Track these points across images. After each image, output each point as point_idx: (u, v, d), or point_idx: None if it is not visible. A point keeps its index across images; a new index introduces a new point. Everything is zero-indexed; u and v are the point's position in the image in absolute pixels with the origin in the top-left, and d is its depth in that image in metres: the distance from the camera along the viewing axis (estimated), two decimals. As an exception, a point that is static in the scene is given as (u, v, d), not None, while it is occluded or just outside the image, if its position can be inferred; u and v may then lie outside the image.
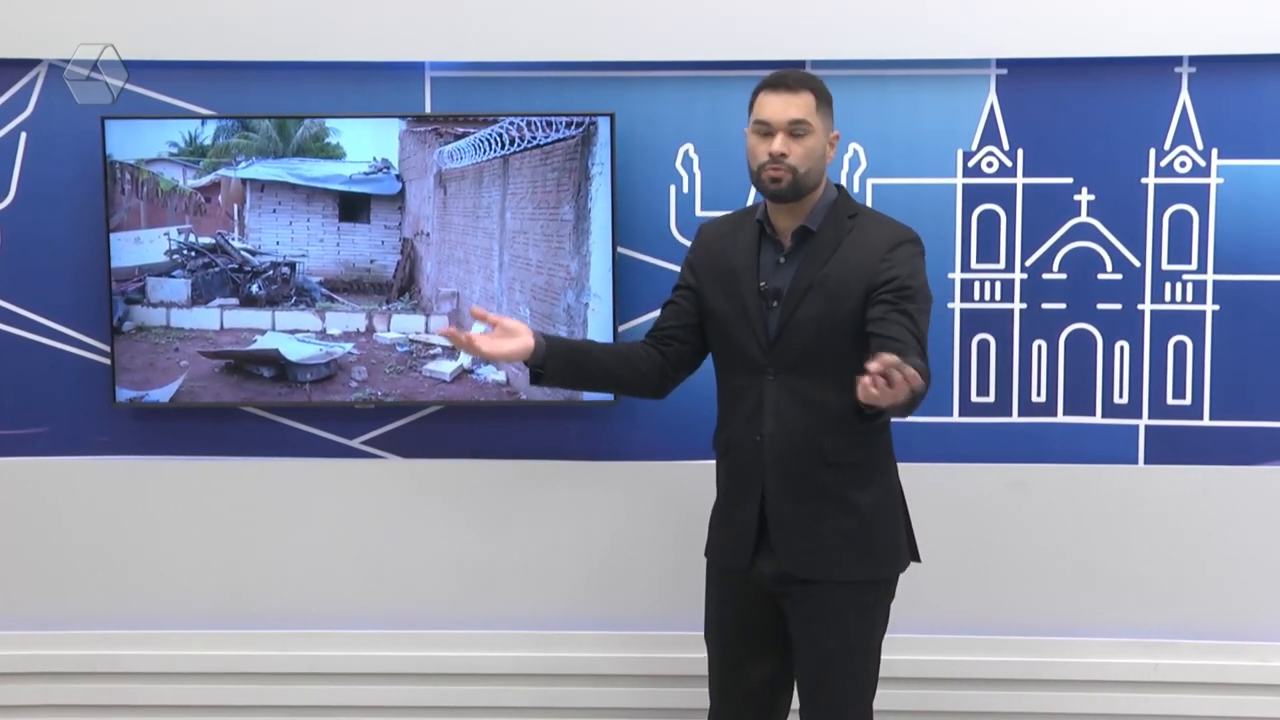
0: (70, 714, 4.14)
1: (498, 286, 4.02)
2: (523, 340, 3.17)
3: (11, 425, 4.14)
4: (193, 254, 4.02)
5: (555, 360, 3.22)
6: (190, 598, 4.15)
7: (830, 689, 3.23)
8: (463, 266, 4.01)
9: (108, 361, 4.06)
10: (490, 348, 3.15)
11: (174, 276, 4.04)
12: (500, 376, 4.03)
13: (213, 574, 4.15)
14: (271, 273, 4.02)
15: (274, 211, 4.01)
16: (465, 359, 4.00)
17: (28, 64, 4.05)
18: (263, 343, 4.05)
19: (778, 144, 3.14)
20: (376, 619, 4.14)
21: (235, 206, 4.02)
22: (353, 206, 4.02)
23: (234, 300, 4.04)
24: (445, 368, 4.04)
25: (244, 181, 4.02)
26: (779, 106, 3.16)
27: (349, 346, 4.05)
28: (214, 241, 4.03)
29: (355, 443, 4.15)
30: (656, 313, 3.42)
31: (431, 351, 4.03)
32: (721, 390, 3.32)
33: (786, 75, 3.21)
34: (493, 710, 4.11)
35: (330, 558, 4.14)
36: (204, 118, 4.01)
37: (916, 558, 3.35)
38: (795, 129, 3.15)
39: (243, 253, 4.01)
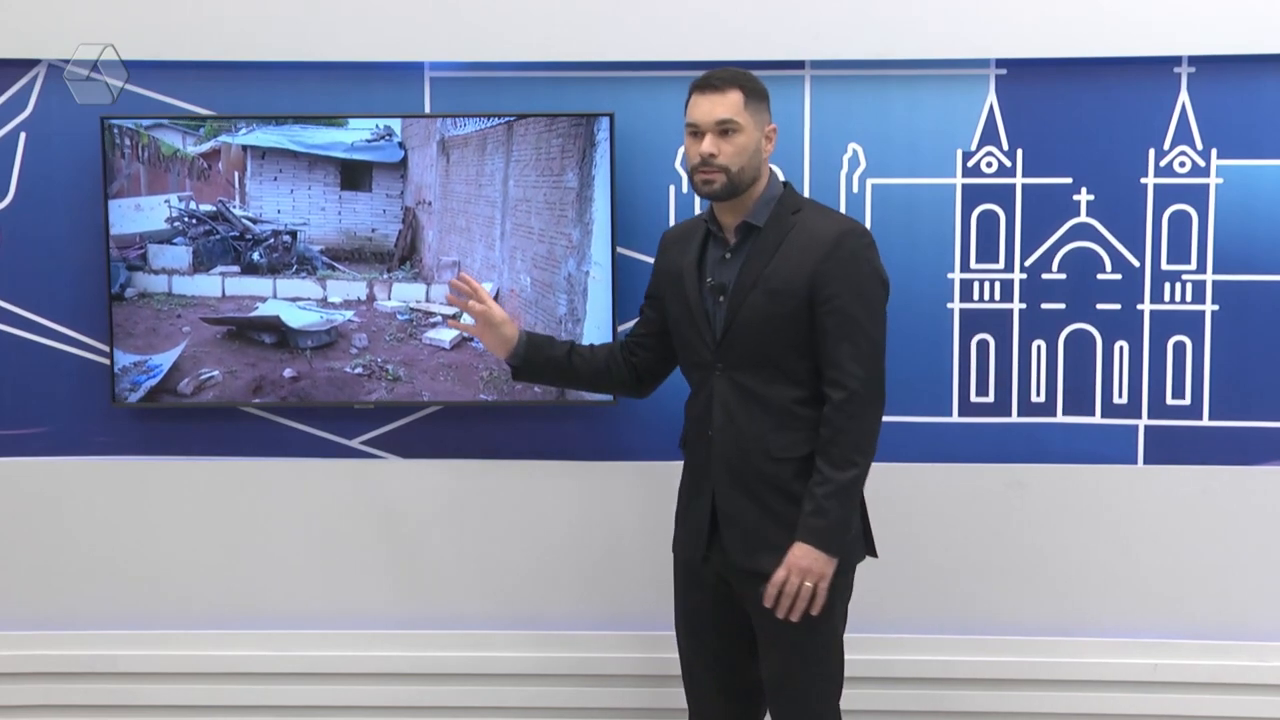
0: (70, 714, 4.14)
1: (499, 255, 4.01)
2: (509, 333, 3.40)
3: (11, 425, 4.14)
4: (194, 221, 4.02)
5: (531, 368, 3.45)
6: (190, 598, 4.16)
7: (793, 682, 3.25)
8: (464, 235, 4.01)
9: (107, 362, 4.06)
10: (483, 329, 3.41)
11: (175, 244, 4.03)
12: None
13: (213, 574, 4.16)
14: (273, 241, 4.01)
15: (275, 179, 4.01)
16: None
17: (27, 64, 4.05)
18: (264, 310, 4.05)
19: (706, 145, 3.17)
20: (376, 619, 4.14)
21: (236, 174, 4.01)
22: (354, 174, 4.01)
23: (235, 268, 4.04)
24: (445, 336, 4.04)
25: (245, 148, 4.01)
26: (706, 108, 3.19)
27: (350, 314, 4.05)
28: (215, 209, 4.02)
29: (355, 443, 4.15)
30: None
31: (432, 320, 4.03)
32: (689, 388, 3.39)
33: (712, 75, 3.22)
34: (492, 710, 4.11)
35: (330, 558, 4.15)
36: (204, 118, 4.01)
37: (873, 553, 3.33)
38: (723, 128, 3.17)
39: (244, 220, 4.00)
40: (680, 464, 3.45)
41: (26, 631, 4.16)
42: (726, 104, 3.17)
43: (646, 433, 4.05)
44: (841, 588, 3.26)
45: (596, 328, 3.97)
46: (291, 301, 4.05)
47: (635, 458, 4.08)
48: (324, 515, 4.14)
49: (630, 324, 3.98)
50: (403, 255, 4.03)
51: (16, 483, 4.14)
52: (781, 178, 3.37)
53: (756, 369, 3.21)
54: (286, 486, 4.13)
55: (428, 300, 4.03)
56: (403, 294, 4.04)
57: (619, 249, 3.99)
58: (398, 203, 4.02)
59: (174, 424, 4.13)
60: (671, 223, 4.02)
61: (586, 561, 4.12)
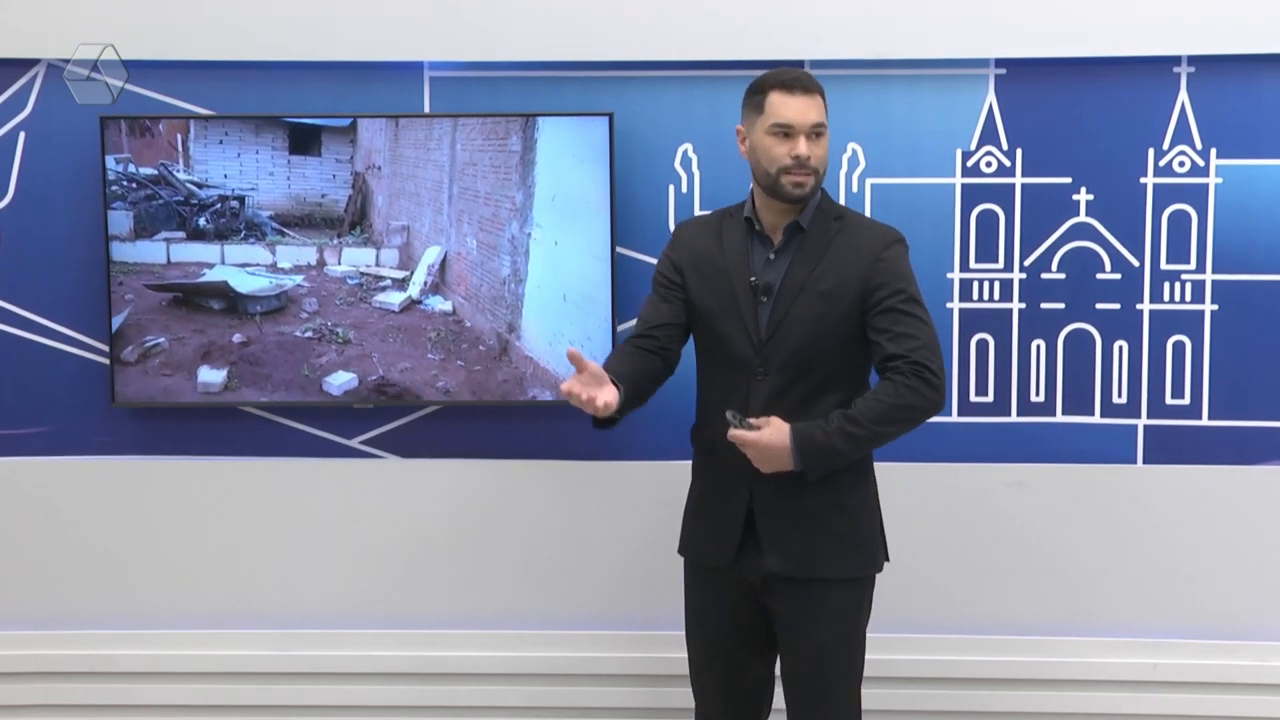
0: (70, 714, 4.14)
1: (446, 219, 4.01)
2: (610, 391, 3.10)
3: (11, 425, 4.14)
4: (133, 185, 3.97)
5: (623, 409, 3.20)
6: (190, 598, 4.16)
7: (820, 684, 3.26)
8: (413, 200, 4.00)
9: (107, 361, 4.06)
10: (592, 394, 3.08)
11: (114, 208, 3.99)
12: (447, 306, 4.03)
13: (213, 574, 4.16)
14: (220, 206, 3.97)
15: (220, 143, 3.96)
16: (414, 291, 4.02)
17: (27, 64, 4.05)
18: (211, 276, 4.02)
19: (803, 147, 3.16)
20: (376, 619, 4.15)
21: (179, 136, 3.97)
22: (303, 139, 3.99)
23: (180, 234, 4.00)
24: (394, 299, 4.03)
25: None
26: (800, 109, 3.17)
27: (299, 279, 4.03)
28: (157, 173, 3.97)
29: (354, 443, 4.15)
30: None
31: (381, 284, 4.02)
32: (704, 386, 3.33)
33: (800, 76, 3.22)
34: (492, 710, 4.11)
35: (330, 558, 4.15)
36: (204, 118, 4.02)
37: (887, 557, 3.35)
38: (816, 131, 3.18)
39: (189, 185, 3.95)
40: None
41: (26, 631, 4.16)
42: (819, 107, 3.19)
43: (647, 433, 4.05)
44: (868, 593, 3.31)
45: (537, 287, 3.98)
46: (240, 267, 4.02)
47: (635, 458, 4.08)
48: (324, 515, 4.14)
49: (631, 324, 3.99)
50: (353, 220, 4.02)
51: (16, 483, 4.14)
52: None
53: (801, 372, 3.19)
54: (286, 486, 4.13)
55: (377, 265, 4.02)
56: (353, 259, 4.03)
57: (619, 249, 3.99)
58: (347, 168, 4.00)
59: (173, 424, 4.13)
60: (671, 223, 4.02)
61: (586, 561, 4.12)
